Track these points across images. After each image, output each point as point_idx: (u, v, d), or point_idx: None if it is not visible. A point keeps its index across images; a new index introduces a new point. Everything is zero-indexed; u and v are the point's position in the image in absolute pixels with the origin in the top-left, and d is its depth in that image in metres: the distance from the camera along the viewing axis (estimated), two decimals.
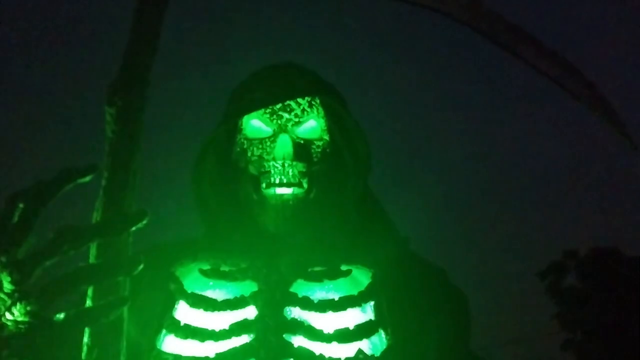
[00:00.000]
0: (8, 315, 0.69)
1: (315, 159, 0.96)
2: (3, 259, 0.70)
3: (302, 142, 0.97)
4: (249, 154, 0.96)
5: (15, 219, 0.71)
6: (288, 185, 0.94)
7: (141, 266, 0.73)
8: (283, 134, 0.95)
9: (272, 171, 0.94)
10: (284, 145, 0.94)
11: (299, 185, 0.94)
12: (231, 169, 0.99)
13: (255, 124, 0.98)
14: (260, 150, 0.96)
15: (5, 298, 0.69)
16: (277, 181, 0.94)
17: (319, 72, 1.06)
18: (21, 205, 0.72)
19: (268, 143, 0.96)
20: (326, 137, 0.99)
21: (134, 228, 0.74)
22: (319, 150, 0.97)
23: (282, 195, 0.94)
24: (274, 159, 0.94)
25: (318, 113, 0.99)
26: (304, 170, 0.95)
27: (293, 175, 0.94)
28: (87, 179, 0.74)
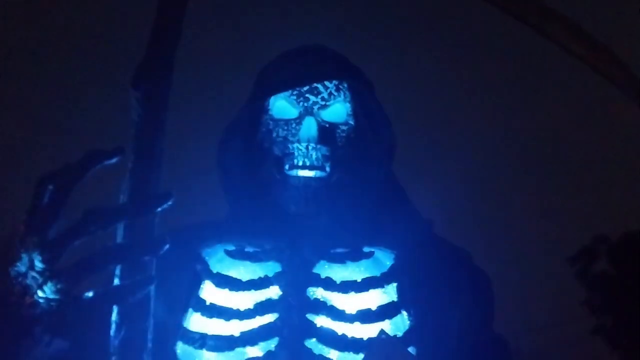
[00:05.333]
0: (40, 293, 0.71)
1: (339, 143, 0.97)
2: (35, 239, 0.72)
3: (327, 125, 0.97)
4: (274, 134, 0.97)
5: (45, 200, 0.73)
6: (311, 168, 0.94)
7: (167, 246, 0.74)
8: (309, 117, 0.96)
9: (296, 153, 0.94)
10: (309, 128, 0.95)
11: (322, 168, 0.95)
12: (256, 149, 0.99)
13: (282, 105, 0.98)
14: (286, 132, 0.96)
15: (37, 276, 0.71)
16: (300, 163, 0.94)
17: (347, 55, 1.06)
18: (50, 187, 0.73)
19: (293, 125, 0.96)
20: (351, 122, 0.99)
21: (159, 209, 0.76)
22: (344, 134, 0.97)
23: (304, 177, 0.95)
24: (298, 141, 0.95)
25: (345, 97, 0.99)
26: (328, 154, 0.95)
27: (317, 159, 0.94)
28: (114, 161, 0.76)
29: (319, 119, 0.97)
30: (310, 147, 0.94)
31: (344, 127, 0.98)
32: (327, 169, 0.95)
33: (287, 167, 0.95)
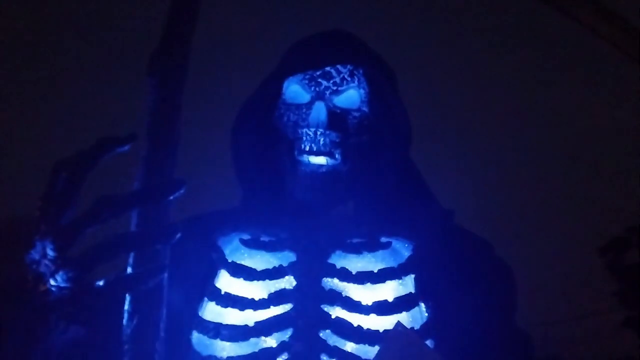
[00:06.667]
0: (52, 281, 0.71)
1: (351, 130, 0.94)
2: (48, 227, 0.72)
3: (338, 111, 0.94)
4: (285, 119, 0.95)
5: (59, 188, 0.73)
6: (318, 153, 0.92)
7: (179, 235, 0.74)
8: (319, 102, 0.94)
9: (304, 138, 0.92)
10: (318, 113, 0.92)
11: (331, 155, 0.92)
12: (269, 135, 0.97)
13: (295, 90, 0.97)
14: (296, 117, 0.94)
15: (50, 264, 0.71)
16: (307, 148, 0.92)
17: (370, 40, 1.04)
18: (63, 175, 0.73)
19: (304, 109, 0.94)
20: (365, 109, 0.96)
21: (171, 197, 0.75)
22: (356, 121, 0.94)
23: (313, 163, 0.93)
24: (307, 126, 0.93)
25: (359, 83, 0.96)
26: (338, 140, 0.93)
27: (324, 144, 0.92)
28: (126, 148, 0.75)
29: (330, 104, 0.94)
30: (319, 133, 0.92)
31: (357, 114, 0.95)
32: (337, 156, 0.92)
33: (295, 152, 0.93)
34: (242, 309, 0.88)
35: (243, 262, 0.91)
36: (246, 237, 0.94)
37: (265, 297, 0.88)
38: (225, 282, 0.91)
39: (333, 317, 0.86)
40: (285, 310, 0.87)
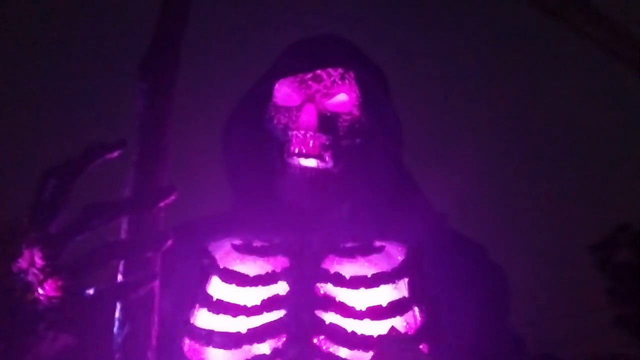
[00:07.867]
0: (40, 290, 0.70)
1: (341, 133, 0.93)
2: (36, 235, 0.71)
3: (328, 114, 0.94)
4: (275, 121, 0.95)
5: (47, 195, 0.72)
6: (307, 155, 0.91)
7: (170, 242, 0.73)
8: (309, 104, 0.93)
9: (294, 140, 0.92)
10: (308, 116, 0.92)
11: (320, 157, 0.91)
12: (260, 138, 0.97)
13: (285, 93, 0.96)
14: (286, 119, 0.94)
15: (38, 273, 0.70)
16: (296, 151, 0.91)
17: (362, 43, 1.04)
18: (52, 181, 0.72)
19: (294, 112, 0.94)
20: (356, 112, 0.95)
21: (162, 204, 0.74)
22: (346, 124, 0.94)
23: (303, 165, 0.92)
24: (297, 129, 0.92)
25: (350, 87, 0.96)
26: (328, 143, 0.92)
27: (314, 147, 0.91)
28: (116, 154, 0.74)
29: (320, 107, 0.93)
30: (308, 135, 0.91)
31: (347, 117, 0.94)
32: (327, 158, 0.92)
33: (285, 154, 0.92)
34: (234, 315, 0.87)
35: (235, 268, 0.91)
36: (238, 242, 0.93)
37: (258, 303, 0.87)
38: (217, 288, 0.90)
39: (327, 322, 0.85)
40: (279, 317, 0.86)
